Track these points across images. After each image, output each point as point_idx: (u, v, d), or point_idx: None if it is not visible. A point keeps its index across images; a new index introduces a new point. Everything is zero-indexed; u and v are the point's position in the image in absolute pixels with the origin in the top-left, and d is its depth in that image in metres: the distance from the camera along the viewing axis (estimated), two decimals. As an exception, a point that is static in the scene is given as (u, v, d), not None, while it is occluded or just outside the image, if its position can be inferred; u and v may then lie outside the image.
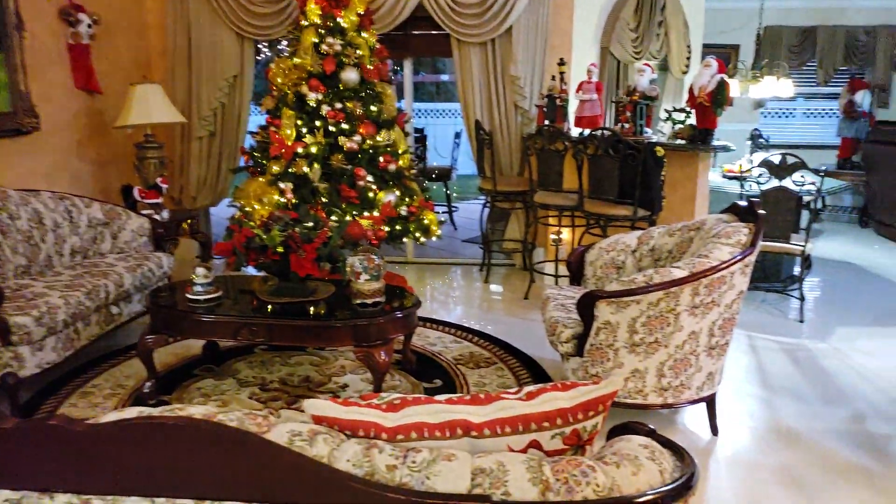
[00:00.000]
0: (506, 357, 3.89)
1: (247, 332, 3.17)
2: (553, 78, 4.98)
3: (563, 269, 4.84)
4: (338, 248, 3.45)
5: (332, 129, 4.61)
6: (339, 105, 4.60)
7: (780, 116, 8.55)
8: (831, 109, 8.42)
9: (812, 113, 8.57)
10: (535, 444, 1.33)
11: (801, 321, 4.48)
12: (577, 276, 3.66)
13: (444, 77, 14.16)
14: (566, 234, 4.97)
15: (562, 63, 4.90)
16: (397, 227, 4.62)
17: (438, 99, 14.19)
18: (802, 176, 4.49)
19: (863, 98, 7.75)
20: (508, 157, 5.46)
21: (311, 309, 3.28)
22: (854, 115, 7.79)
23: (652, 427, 1.63)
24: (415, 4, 5.19)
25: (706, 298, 2.79)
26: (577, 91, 4.91)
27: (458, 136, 8.32)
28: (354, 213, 4.51)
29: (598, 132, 4.25)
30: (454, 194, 8.10)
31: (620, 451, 1.38)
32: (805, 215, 4.66)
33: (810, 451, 2.93)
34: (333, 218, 4.33)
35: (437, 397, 1.38)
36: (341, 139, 4.59)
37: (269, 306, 3.31)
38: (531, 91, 5.25)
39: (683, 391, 2.94)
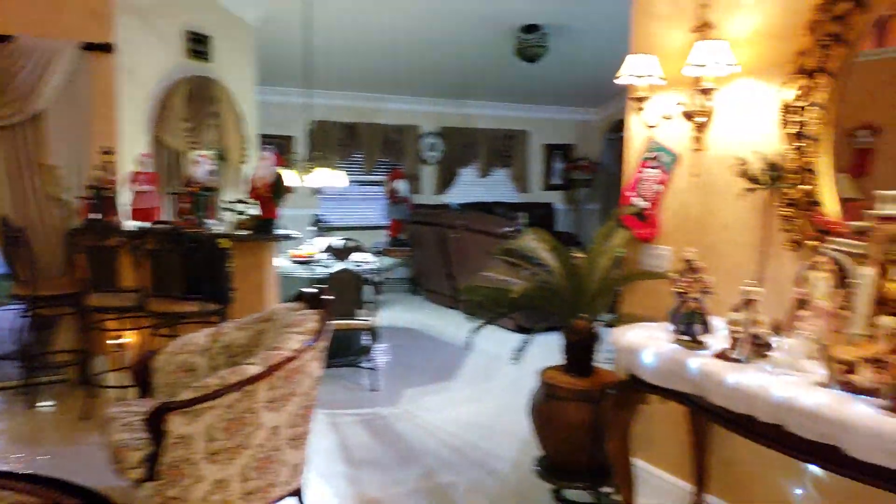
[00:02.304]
0: (63, 500, 3.22)
1: None
2: (101, 168, 4.53)
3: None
4: None
5: None
6: None
7: (337, 200, 9.37)
8: (380, 194, 9.57)
9: (364, 197, 9.63)
10: None
11: (376, 390, 4.82)
12: (145, 387, 3.27)
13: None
14: (131, 338, 4.47)
15: (108, 153, 4.50)
16: None
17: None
18: (360, 257, 4.92)
19: (402, 186, 9.04)
20: (49, 256, 4.71)
21: None
22: (397, 199, 9.01)
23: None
24: None
25: (284, 391, 2.75)
26: (132, 182, 4.55)
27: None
28: None
29: (156, 226, 3.98)
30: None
31: None
32: (369, 291, 5.09)
33: (394, 517, 3.10)
34: None
35: None
36: None
37: None
38: (74, 182, 4.67)
39: (271, 490, 2.82)
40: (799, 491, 2.57)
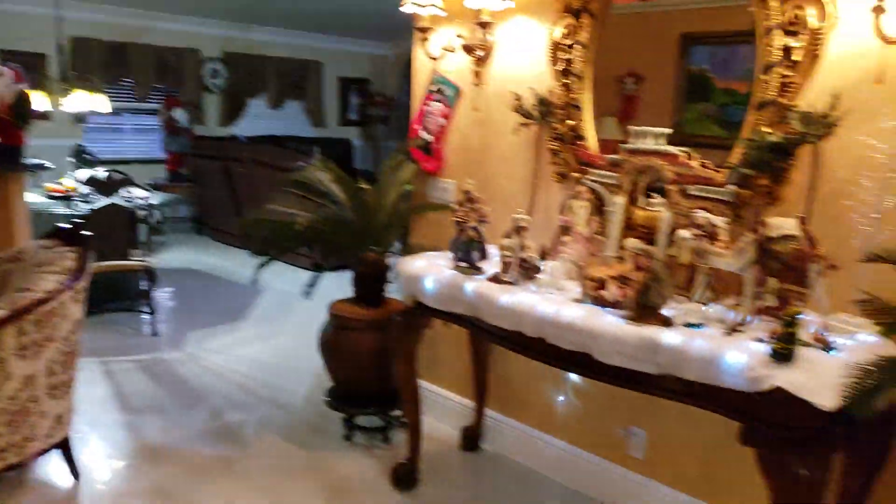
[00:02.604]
0: None
1: None
2: None
3: None
4: None
5: None
6: None
7: (107, 131, 8.40)
8: (155, 124, 8.70)
9: (139, 128, 8.72)
10: None
11: (156, 335, 4.51)
12: None
13: None
14: None
15: None
16: None
17: None
18: (129, 192, 4.48)
19: (180, 115, 8.32)
20: None
21: None
22: (175, 130, 8.30)
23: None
24: None
25: (38, 336, 2.47)
26: None
27: None
28: None
29: None
30: None
31: None
32: (143, 230, 4.68)
33: (177, 461, 2.96)
34: None
35: None
36: None
37: None
38: None
39: (29, 444, 2.55)
40: (561, 398, 2.87)
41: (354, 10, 8.99)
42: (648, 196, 2.47)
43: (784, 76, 2.06)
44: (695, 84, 2.51)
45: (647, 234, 2.41)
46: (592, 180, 2.51)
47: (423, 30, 2.93)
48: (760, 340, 1.80)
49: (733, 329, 1.91)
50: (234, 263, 6.63)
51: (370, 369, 3.01)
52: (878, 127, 1.93)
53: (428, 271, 2.51)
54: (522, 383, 3.02)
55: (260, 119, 9.67)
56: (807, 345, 1.80)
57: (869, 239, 1.93)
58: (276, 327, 4.83)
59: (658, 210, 2.36)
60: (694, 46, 2.52)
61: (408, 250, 3.13)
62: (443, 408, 3.33)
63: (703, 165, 2.25)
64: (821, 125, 1.94)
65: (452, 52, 2.97)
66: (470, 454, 3.12)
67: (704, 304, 2.15)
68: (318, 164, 3.04)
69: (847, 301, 1.86)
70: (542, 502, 2.77)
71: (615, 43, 2.56)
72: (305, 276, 5.91)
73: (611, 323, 1.97)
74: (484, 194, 3.00)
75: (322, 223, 2.95)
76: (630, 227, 2.48)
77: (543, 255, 2.56)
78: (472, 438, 3.14)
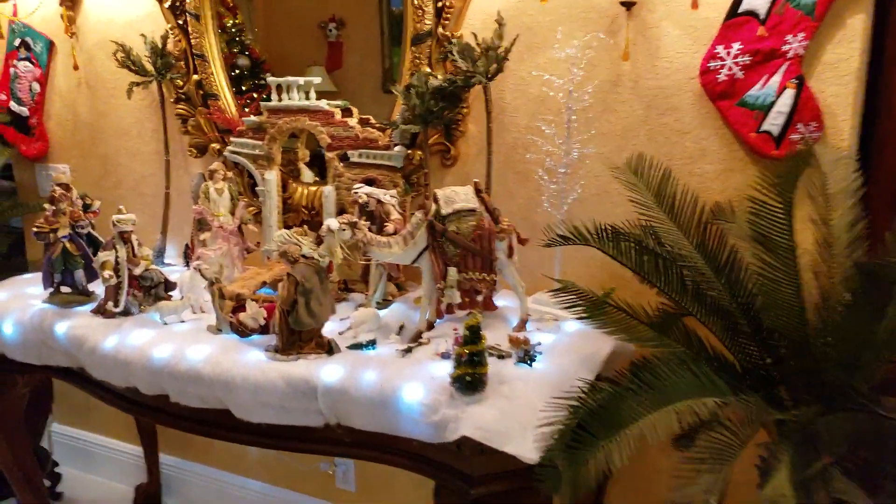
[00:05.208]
0: None
1: None
2: None
3: None
4: None
5: None
6: None
7: None
8: None
9: None
10: None
11: None
12: None
13: None
14: None
15: None
16: None
17: None
18: None
19: None
20: None
21: None
22: None
23: None
24: None
25: None
26: None
27: None
28: None
29: None
30: None
31: None
32: None
33: None
34: None
35: None
36: None
37: None
38: None
39: None
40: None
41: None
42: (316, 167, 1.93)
43: (439, -1, 1.59)
44: (399, 26, 2.03)
45: (316, 217, 1.87)
46: (233, 152, 1.87)
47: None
48: (446, 356, 1.34)
49: (415, 341, 1.43)
50: None
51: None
52: (552, 57, 1.53)
53: (8, 308, 1.71)
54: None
55: None
56: (502, 355, 1.37)
57: (559, 199, 1.55)
58: None
59: (321, 186, 1.82)
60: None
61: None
62: (110, 462, 2.56)
63: (364, 123, 1.73)
64: (488, 59, 1.49)
65: (27, -12, 2.09)
66: (150, 517, 2.41)
67: (383, 304, 1.66)
68: None
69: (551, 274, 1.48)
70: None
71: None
72: None
73: (249, 364, 1.37)
74: (106, 180, 2.24)
75: None
76: (293, 210, 1.91)
77: (188, 261, 1.90)
78: (149, 496, 2.42)
